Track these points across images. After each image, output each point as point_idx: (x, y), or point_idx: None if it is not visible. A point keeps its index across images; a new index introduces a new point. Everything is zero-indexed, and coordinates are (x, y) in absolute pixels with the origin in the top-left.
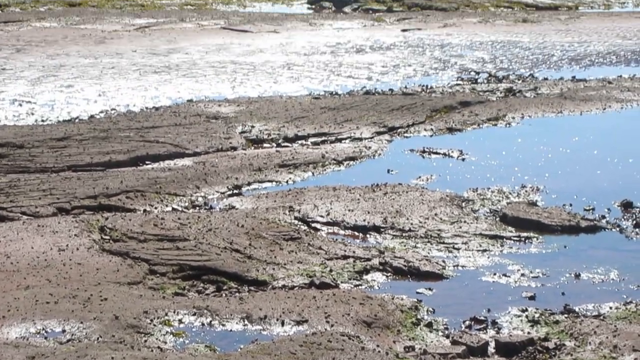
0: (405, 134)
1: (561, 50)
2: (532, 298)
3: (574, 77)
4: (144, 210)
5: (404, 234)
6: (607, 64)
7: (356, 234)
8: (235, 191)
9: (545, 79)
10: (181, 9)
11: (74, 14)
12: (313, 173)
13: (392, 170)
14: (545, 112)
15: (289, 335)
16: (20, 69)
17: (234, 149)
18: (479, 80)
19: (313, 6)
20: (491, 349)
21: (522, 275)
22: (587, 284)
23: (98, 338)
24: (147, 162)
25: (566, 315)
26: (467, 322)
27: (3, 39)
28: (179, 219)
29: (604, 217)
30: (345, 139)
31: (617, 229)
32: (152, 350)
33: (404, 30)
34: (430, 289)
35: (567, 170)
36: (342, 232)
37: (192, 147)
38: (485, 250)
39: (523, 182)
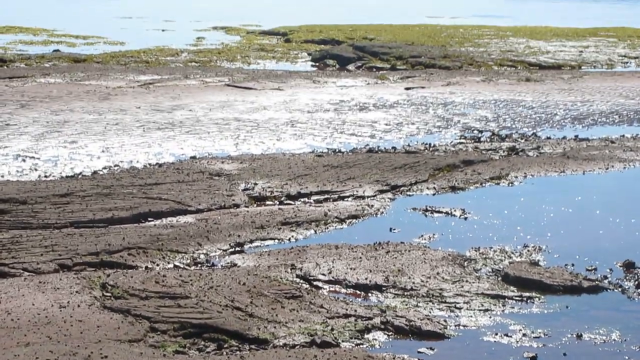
0: (408, 193)
1: (564, 109)
2: (533, 358)
3: (576, 136)
4: (146, 267)
5: (405, 293)
6: (610, 123)
7: (358, 292)
8: (237, 249)
9: (548, 138)
10: (185, 65)
11: (79, 70)
12: (315, 231)
13: (394, 229)
14: (548, 171)
15: None
16: (24, 125)
17: (237, 206)
18: (482, 139)
19: (317, 64)
20: None
21: (524, 335)
22: (588, 345)
23: None
24: (149, 219)
25: None
26: None
27: (8, 94)
28: (180, 276)
29: (606, 277)
30: (348, 197)
31: (619, 289)
32: None
33: (407, 89)
34: (431, 349)
35: (570, 230)
36: (344, 290)
37: (194, 204)
38: (487, 310)
39: (525, 241)
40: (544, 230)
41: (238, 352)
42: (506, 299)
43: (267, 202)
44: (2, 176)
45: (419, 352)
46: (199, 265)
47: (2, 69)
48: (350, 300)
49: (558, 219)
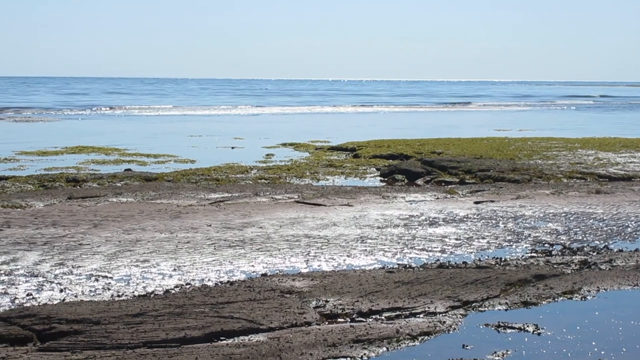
0: (480, 308)
1: (636, 221)
2: None
3: None
4: None
5: None
6: None
7: None
8: None
9: (620, 250)
10: (255, 183)
11: (150, 188)
12: (387, 348)
13: (467, 346)
14: (622, 285)
15: None
16: (97, 244)
17: (308, 324)
18: (553, 253)
19: (386, 179)
20: None
21: None
22: None
23: None
24: (221, 338)
25: None
26: None
27: (81, 214)
28: None
29: None
30: (420, 313)
31: None
32: None
33: (476, 202)
34: None
35: None
36: None
37: (266, 322)
38: None
39: (600, 356)
40: (618, 345)
41: None
42: None
43: (339, 320)
44: (76, 296)
45: None
46: None
47: (75, 189)
48: None
49: (633, 334)
